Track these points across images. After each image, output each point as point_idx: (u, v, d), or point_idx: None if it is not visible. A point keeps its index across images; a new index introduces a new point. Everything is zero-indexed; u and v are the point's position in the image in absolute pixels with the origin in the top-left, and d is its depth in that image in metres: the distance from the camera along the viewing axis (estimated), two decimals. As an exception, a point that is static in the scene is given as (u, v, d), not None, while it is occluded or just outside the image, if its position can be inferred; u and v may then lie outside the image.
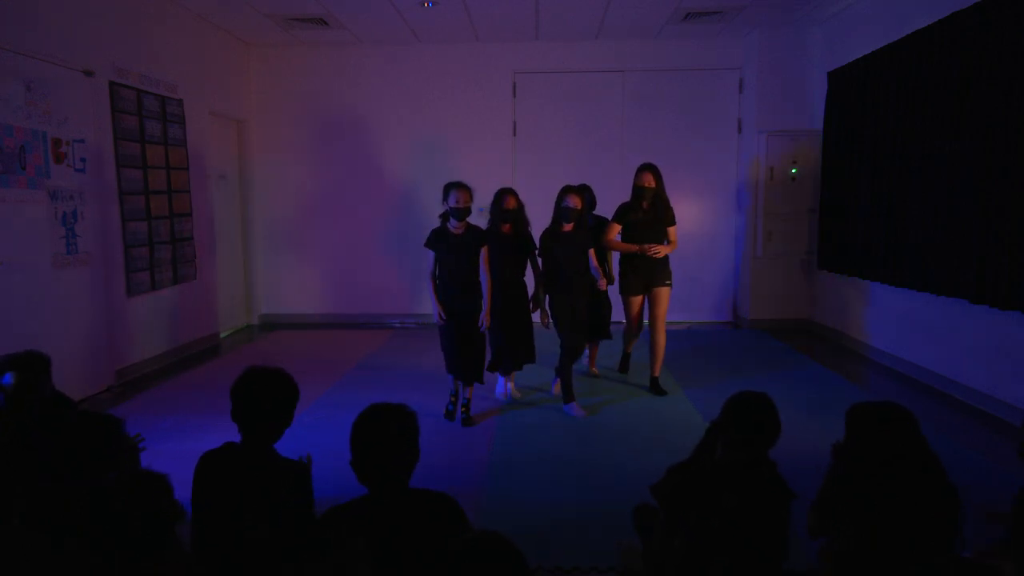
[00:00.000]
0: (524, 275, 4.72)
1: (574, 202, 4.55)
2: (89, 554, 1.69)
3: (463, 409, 4.50)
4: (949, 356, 5.04)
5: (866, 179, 5.93)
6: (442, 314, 4.39)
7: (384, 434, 1.88)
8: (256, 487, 2.06)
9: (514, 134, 7.77)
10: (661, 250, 4.89)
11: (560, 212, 4.61)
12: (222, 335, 7.26)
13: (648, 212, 4.92)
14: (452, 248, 4.37)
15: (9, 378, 2.63)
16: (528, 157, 7.67)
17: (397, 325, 7.95)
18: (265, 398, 2.13)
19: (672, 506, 2.16)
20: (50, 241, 4.69)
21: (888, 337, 5.87)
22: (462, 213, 4.33)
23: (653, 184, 4.87)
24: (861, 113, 6.06)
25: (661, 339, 5.04)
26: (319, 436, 4.09)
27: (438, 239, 4.41)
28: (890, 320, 5.85)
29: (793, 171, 7.28)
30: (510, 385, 4.97)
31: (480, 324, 4.37)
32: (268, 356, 6.50)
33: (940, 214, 4.92)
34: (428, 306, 8.38)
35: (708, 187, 7.68)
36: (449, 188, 4.38)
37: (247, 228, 7.93)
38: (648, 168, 4.92)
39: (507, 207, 4.59)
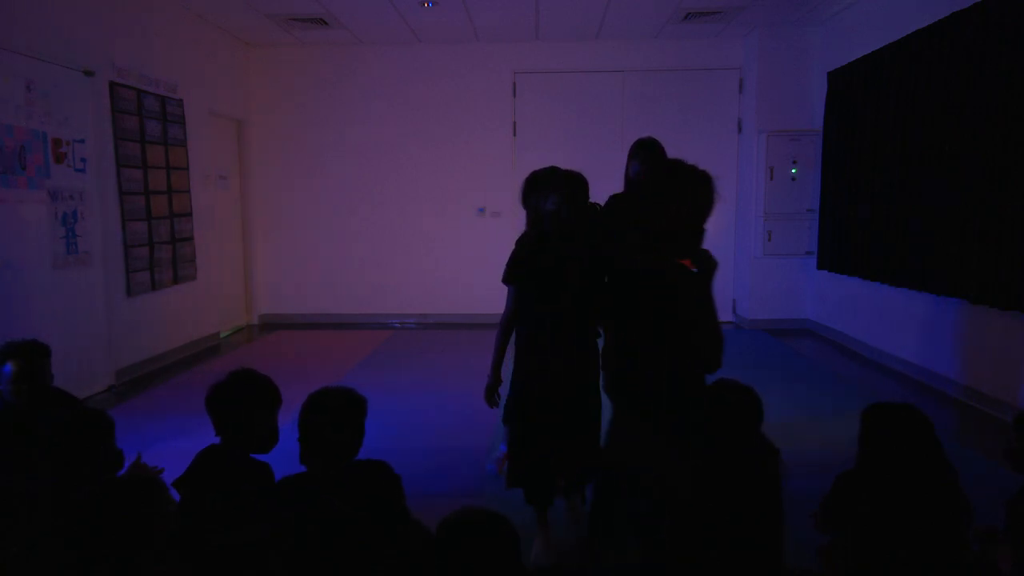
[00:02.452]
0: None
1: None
2: (79, 556, 1.69)
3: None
4: (949, 356, 5.03)
5: (866, 179, 5.93)
6: (495, 396, 2.80)
7: (324, 417, 2.04)
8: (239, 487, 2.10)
9: (514, 134, 7.77)
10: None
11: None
12: (222, 335, 7.26)
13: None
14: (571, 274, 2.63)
15: (9, 367, 2.63)
16: (528, 157, 7.66)
17: (397, 325, 7.95)
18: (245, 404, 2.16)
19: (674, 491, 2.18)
20: (50, 241, 4.69)
21: (888, 337, 5.87)
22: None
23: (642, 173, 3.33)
24: (861, 113, 6.06)
25: None
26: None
27: (540, 257, 2.66)
28: (890, 320, 5.85)
29: (793, 171, 7.28)
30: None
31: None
32: (268, 356, 6.51)
33: (940, 214, 4.92)
34: (427, 306, 8.43)
35: (708, 187, 7.67)
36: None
37: (247, 228, 7.93)
38: (638, 149, 3.40)
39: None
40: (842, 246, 6.43)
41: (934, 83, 4.99)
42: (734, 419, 2.13)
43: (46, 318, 4.59)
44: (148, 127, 5.80)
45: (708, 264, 2.43)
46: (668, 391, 2.37)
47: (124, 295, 5.50)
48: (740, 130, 7.64)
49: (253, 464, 2.18)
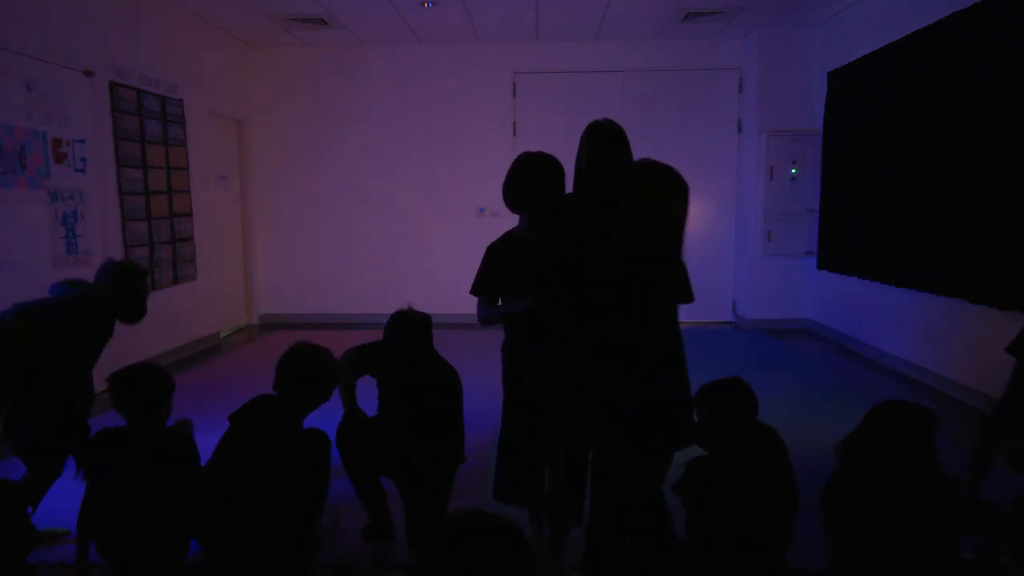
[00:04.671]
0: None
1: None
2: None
3: None
4: (949, 356, 5.03)
5: (866, 179, 5.93)
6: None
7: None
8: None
9: (514, 134, 7.77)
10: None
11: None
12: (222, 335, 7.26)
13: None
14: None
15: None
16: (528, 157, 7.66)
17: (397, 325, 7.95)
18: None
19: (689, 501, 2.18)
20: (50, 241, 4.69)
21: (888, 337, 5.87)
22: None
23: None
24: (861, 113, 6.06)
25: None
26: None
27: None
28: (890, 320, 5.85)
29: (793, 171, 7.28)
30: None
31: None
32: (268, 356, 6.50)
33: (940, 213, 4.92)
34: (428, 306, 8.36)
35: (708, 187, 7.67)
36: None
37: (247, 228, 7.93)
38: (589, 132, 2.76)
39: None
40: (842, 246, 6.42)
41: (934, 83, 4.99)
42: (731, 414, 2.14)
43: (46, 318, 4.58)
44: (148, 127, 5.80)
45: None
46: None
47: (124, 295, 5.50)
48: (740, 130, 7.64)
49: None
